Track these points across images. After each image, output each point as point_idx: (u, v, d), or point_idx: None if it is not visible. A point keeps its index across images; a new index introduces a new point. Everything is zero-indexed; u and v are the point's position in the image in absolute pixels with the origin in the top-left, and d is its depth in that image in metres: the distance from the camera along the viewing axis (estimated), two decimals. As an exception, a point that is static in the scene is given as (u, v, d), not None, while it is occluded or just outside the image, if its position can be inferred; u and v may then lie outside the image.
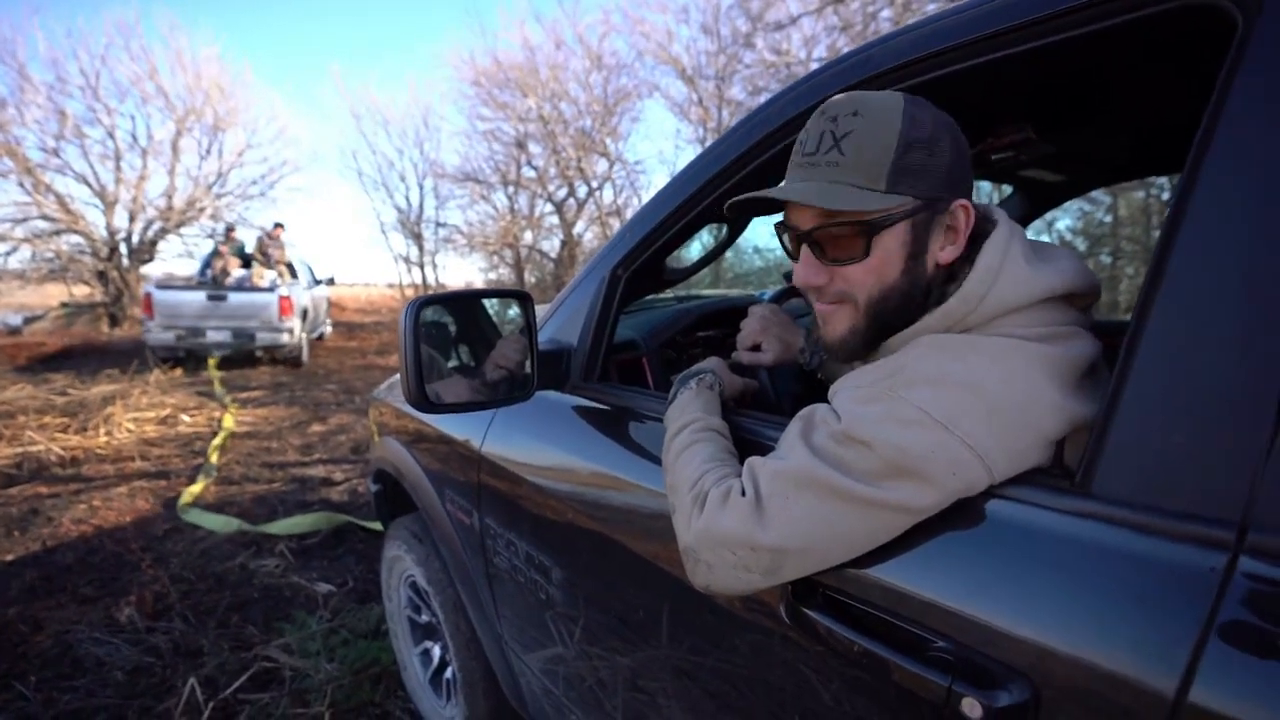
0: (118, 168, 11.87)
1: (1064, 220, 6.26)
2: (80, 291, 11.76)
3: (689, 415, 0.73)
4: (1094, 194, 5.66)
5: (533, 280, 13.97)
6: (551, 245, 13.47)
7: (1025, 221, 1.48)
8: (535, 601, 1.07)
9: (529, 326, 1.00)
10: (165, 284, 7.55)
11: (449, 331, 1.15)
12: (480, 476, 1.17)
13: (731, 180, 0.87)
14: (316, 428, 4.86)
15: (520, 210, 13.67)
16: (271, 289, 7.44)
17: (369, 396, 2.14)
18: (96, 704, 1.75)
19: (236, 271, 8.02)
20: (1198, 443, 0.42)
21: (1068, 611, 0.45)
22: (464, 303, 1.12)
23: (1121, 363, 0.46)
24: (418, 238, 13.51)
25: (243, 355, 7.64)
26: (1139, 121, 0.93)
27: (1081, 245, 6.24)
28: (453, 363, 1.16)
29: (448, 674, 1.60)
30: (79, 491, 3.43)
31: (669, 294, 1.55)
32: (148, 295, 7.05)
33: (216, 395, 5.87)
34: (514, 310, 1.07)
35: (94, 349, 8.58)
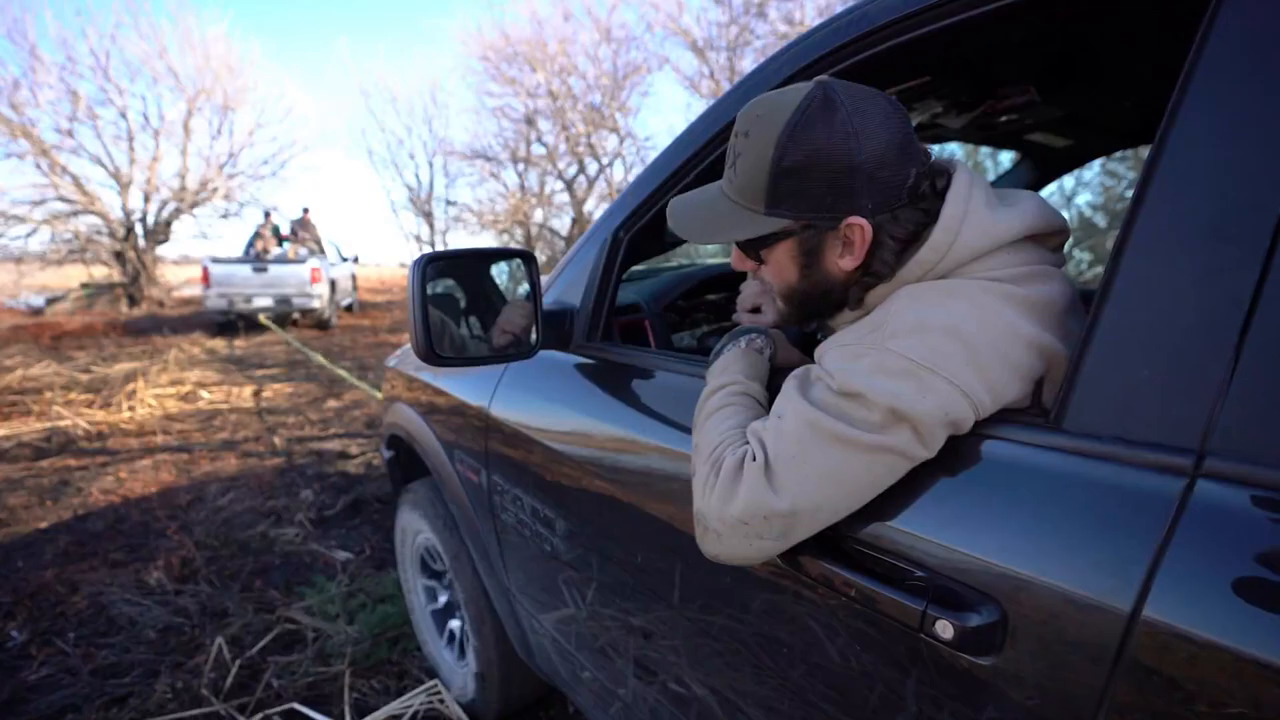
0: (131, 148, 11.95)
1: (1084, 196, 6.12)
2: (99, 272, 11.94)
3: (728, 376, 0.70)
4: (1116, 169, 5.55)
5: (544, 258, 13.98)
6: (561, 223, 13.44)
7: (1035, 189, 1.46)
8: (541, 554, 1.11)
9: (533, 286, 1.02)
10: (218, 259, 8.84)
11: (455, 289, 1.16)
12: (488, 436, 1.21)
13: (724, 145, 0.88)
14: (332, 403, 4.96)
15: (530, 188, 13.62)
16: (304, 261, 8.92)
17: (384, 365, 2.19)
18: (131, 659, 1.85)
19: (275, 249, 9.52)
20: (1162, 379, 0.45)
21: (1037, 538, 0.48)
22: (469, 261, 1.13)
23: (1095, 307, 0.49)
24: (428, 216, 13.53)
25: (281, 318, 8.92)
26: (1146, 84, 0.91)
27: (1102, 220, 6.11)
28: (462, 324, 1.17)
29: (458, 629, 1.67)
30: (105, 464, 3.55)
31: (672, 260, 1.56)
32: (205, 268, 8.61)
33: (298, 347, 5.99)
34: (523, 286, 1.09)
35: (114, 328, 8.75)
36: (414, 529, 1.69)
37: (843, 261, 0.62)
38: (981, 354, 0.53)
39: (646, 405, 0.92)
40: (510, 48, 11.50)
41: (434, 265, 1.00)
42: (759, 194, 0.61)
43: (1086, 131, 1.20)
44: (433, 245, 13.83)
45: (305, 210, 10.28)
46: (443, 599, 1.72)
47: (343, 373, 5.92)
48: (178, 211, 12.41)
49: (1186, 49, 0.47)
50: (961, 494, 0.54)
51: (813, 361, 0.63)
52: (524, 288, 1.06)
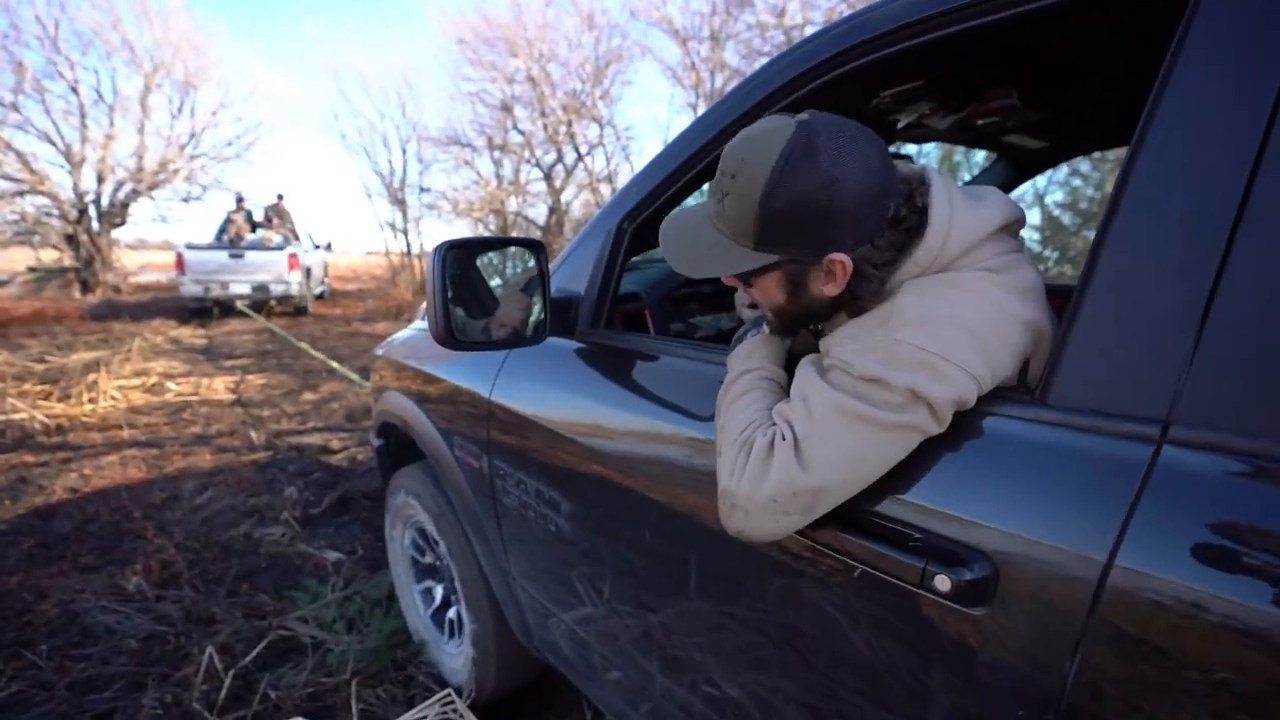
0: (83, 125, 11.29)
1: (1055, 194, 6.33)
2: (48, 256, 11.31)
3: (752, 362, 0.74)
4: (1083, 169, 5.83)
5: (520, 248, 13.76)
6: (538, 212, 13.22)
7: (1008, 189, 1.51)
8: (545, 534, 1.14)
9: (542, 274, 1.05)
10: (193, 245, 8.75)
11: (469, 275, 1.16)
12: (490, 422, 1.24)
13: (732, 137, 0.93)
14: (308, 396, 4.78)
15: (506, 176, 13.36)
16: (280, 248, 8.90)
17: (372, 354, 2.09)
18: (112, 671, 1.73)
19: (249, 236, 9.44)
20: (1134, 359, 0.51)
21: (1024, 501, 0.54)
22: (486, 249, 1.15)
23: (1076, 296, 0.54)
24: (401, 203, 13.14)
25: (257, 305, 8.91)
26: (1117, 90, 0.99)
27: (1068, 219, 6.35)
28: (461, 309, 1.18)
29: (452, 614, 1.68)
30: (67, 460, 3.34)
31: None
32: (179, 254, 8.56)
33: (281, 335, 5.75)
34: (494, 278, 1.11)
35: (67, 315, 8.29)
36: (405, 513, 1.72)
37: (826, 289, 0.67)
38: (985, 339, 0.59)
39: (651, 389, 0.96)
40: (489, 31, 11.21)
41: (454, 252, 1.02)
42: (747, 233, 0.65)
43: (1061, 134, 1.26)
44: (405, 234, 13.48)
45: (280, 196, 10.12)
46: (438, 591, 1.73)
47: (335, 365, 5.72)
48: (135, 193, 11.82)
49: (1157, 66, 0.52)
50: (957, 464, 0.59)
51: (816, 350, 0.69)
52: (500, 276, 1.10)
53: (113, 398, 4.40)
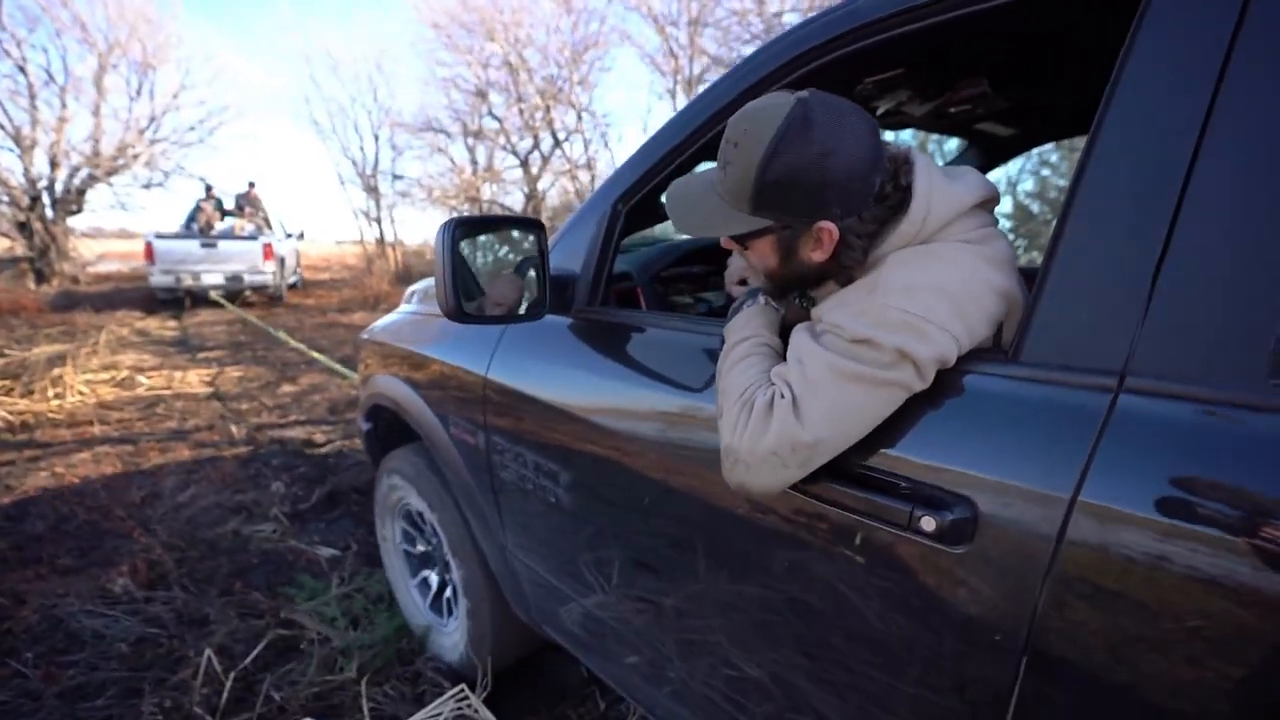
0: (33, 106, 10.74)
1: (1027, 182, 6.55)
2: (-1, 245, 10.80)
3: (750, 330, 0.79)
4: (1053, 160, 6.14)
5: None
6: (513, 200, 13.02)
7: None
8: (543, 505, 1.17)
9: (542, 253, 1.08)
10: (162, 234, 8.53)
11: (471, 252, 1.20)
12: (486, 399, 1.27)
13: (719, 126, 0.93)
14: (287, 388, 4.65)
15: (480, 163, 13.13)
16: (254, 238, 8.74)
17: (358, 338, 2.06)
18: (103, 677, 1.66)
19: (219, 224, 9.23)
20: (1095, 317, 0.57)
21: (999, 448, 0.60)
22: (489, 227, 1.18)
23: (1043, 266, 0.60)
24: (373, 190, 12.82)
25: (231, 295, 8.69)
26: (1083, 80, 1.03)
27: (1037, 208, 6.60)
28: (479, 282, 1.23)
29: (447, 593, 1.70)
30: (35, 458, 3.20)
31: (657, 231, 1.66)
32: (148, 244, 8.25)
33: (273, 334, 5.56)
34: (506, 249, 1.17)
35: (24, 307, 7.92)
36: (396, 495, 1.74)
37: (814, 255, 0.73)
38: (963, 304, 0.65)
39: (649, 361, 1.00)
40: (466, 15, 10.93)
41: (462, 227, 1.05)
42: (744, 198, 0.70)
43: (1029, 122, 1.33)
44: (379, 222, 13.17)
45: (251, 184, 9.91)
46: (431, 574, 1.76)
47: (319, 357, 5.57)
48: (92, 179, 11.31)
49: (1114, 60, 0.58)
50: (939, 417, 0.65)
51: (808, 319, 0.74)
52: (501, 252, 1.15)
53: (80, 393, 4.22)
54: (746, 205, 0.71)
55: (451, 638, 1.65)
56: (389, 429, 1.82)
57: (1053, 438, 0.56)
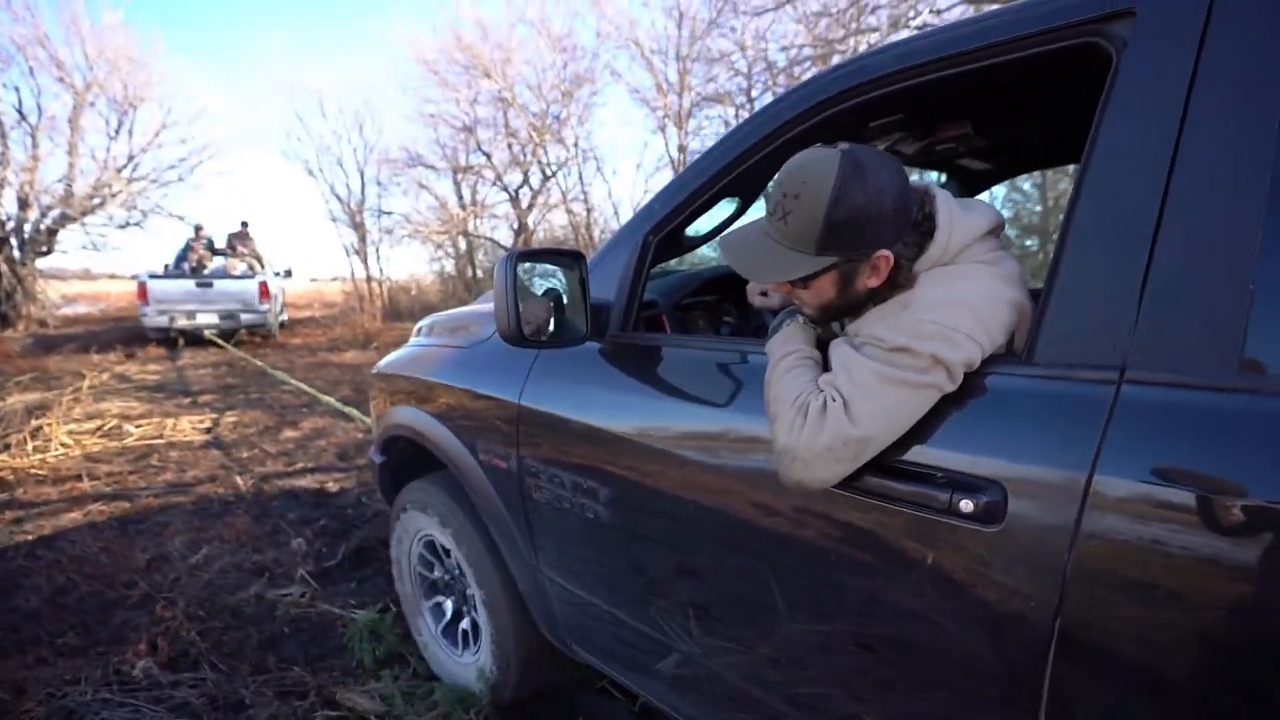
0: (4, 146, 10.42)
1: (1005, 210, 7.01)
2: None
3: (793, 345, 0.88)
4: (1025, 188, 7.04)
5: (486, 267, 13.44)
6: (502, 235, 12.94)
7: None
8: (582, 523, 1.22)
9: (583, 283, 1.17)
10: (155, 274, 8.61)
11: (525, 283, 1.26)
12: (519, 424, 1.32)
13: (746, 164, 1.06)
14: (289, 433, 4.39)
15: (467, 199, 13.07)
16: (250, 276, 8.89)
17: (372, 372, 2.04)
18: (133, 785, 1.42)
19: (210, 264, 9.25)
20: (1095, 323, 0.67)
21: (1021, 438, 0.69)
22: (537, 259, 1.24)
23: (1048, 278, 0.71)
24: (359, 227, 12.63)
25: (226, 334, 8.72)
26: (1051, 122, 1.22)
27: (1012, 232, 7.00)
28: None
29: (464, 624, 1.72)
30: (19, 520, 2.91)
31: (674, 262, 1.72)
32: (142, 284, 8.36)
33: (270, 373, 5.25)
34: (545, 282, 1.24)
35: (-10, 353, 7.51)
36: (414, 526, 1.76)
37: (870, 282, 0.82)
38: (984, 315, 0.75)
39: (683, 381, 1.08)
40: (454, 52, 10.98)
41: (521, 260, 1.14)
42: (810, 242, 0.79)
43: (1002, 158, 1.51)
44: (364, 258, 12.95)
45: (244, 224, 9.99)
46: (448, 603, 1.77)
47: (330, 400, 5.32)
48: (64, 219, 10.94)
49: (1080, 108, 0.75)
50: (968, 414, 0.74)
51: (834, 336, 0.87)
52: (544, 284, 1.22)
53: (64, 445, 3.92)
54: (812, 248, 0.79)
55: (470, 670, 1.65)
56: (403, 461, 1.85)
57: (1069, 425, 0.65)
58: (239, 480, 3.39)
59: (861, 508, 0.80)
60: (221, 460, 3.79)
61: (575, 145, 11.11)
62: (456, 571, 1.69)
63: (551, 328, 1.17)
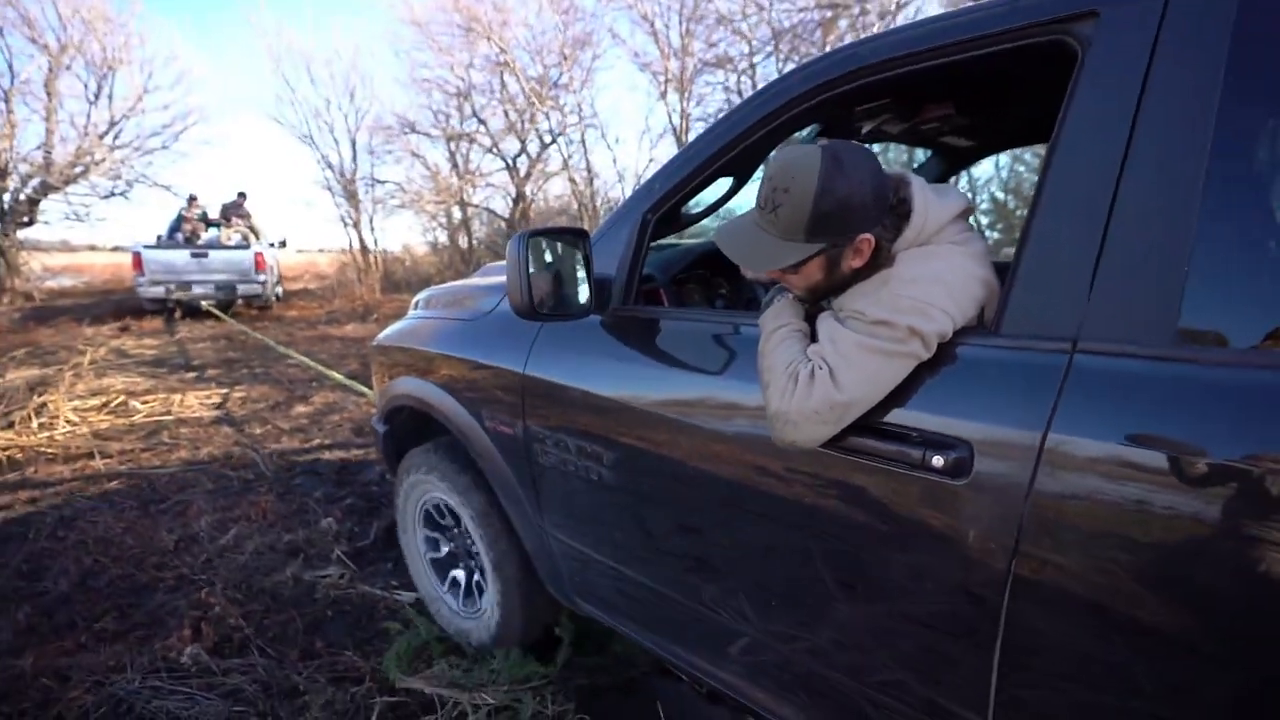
0: (-23, 112, 9.99)
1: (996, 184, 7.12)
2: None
3: (784, 319, 0.95)
4: (1029, 159, 6.95)
5: (483, 234, 13.20)
6: (495, 204, 12.67)
7: (941, 180, 1.78)
8: (587, 484, 1.30)
9: (587, 259, 1.24)
10: (151, 245, 8.43)
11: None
12: (524, 393, 1.39)
13: (742, 145, 1.12)
14: (301, 409, 4.30)
15: (462, 167, 12.75)
16: (245, 247, 8.71)
17: (371, 344, 2.10)
18: (197, 776, 1.38)
19: (205, 234, 9.01)
20: (1053, 297, 0.75)
21: (986, 401, 0.77)
22: (545, 236, 1.27)
23: (1014, 259, 0.78)
24: (352, 196, 12.29)
25: (223, 305, 8.62)
26: (1030, 106, 1.29)
27: (1013, 202, 7.03)
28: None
29: (464, 579, 1.80)
30: (34, 500, 2.83)
31: (671, 239, 1.75)
32: (137, 254, 8.18)
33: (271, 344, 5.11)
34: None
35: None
36: (419, 490, 1.82)
37: (854, 263, 0.90)
38: (955, 291, 0.82)
39: (681, 350, 1.16)
40: (453, 14, 10.54)
41: (532, 237, 1.20)
42: (799, 231, 0.87)
43: (983, 136, 1.59)
44: (358, 227, 12.65)
45: (241, 194, 9.72)
46: (445, 550, 1.86)
47: (337, 376, 5.22)
48: (45, 188, 10.57)
49: (1051, 93, 0.84)
50: (941, 380, 0.82)
51: (819, 311, 0.94)
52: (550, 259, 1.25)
53: (70, 422, 3.81)
54: (801, 236, 0.87)
55: (473, 620, 1.76)
56: (406, 429, 1.94)
57: (1027, 390, 0.74)
58: (257, 457, 3.31)
59: (845, 465, 0.88)
60: (235, 437, 3.70)
61: (579, 110, 10.78)
62: (459, 531, 1.77)
63: (553, 302, 1.22)
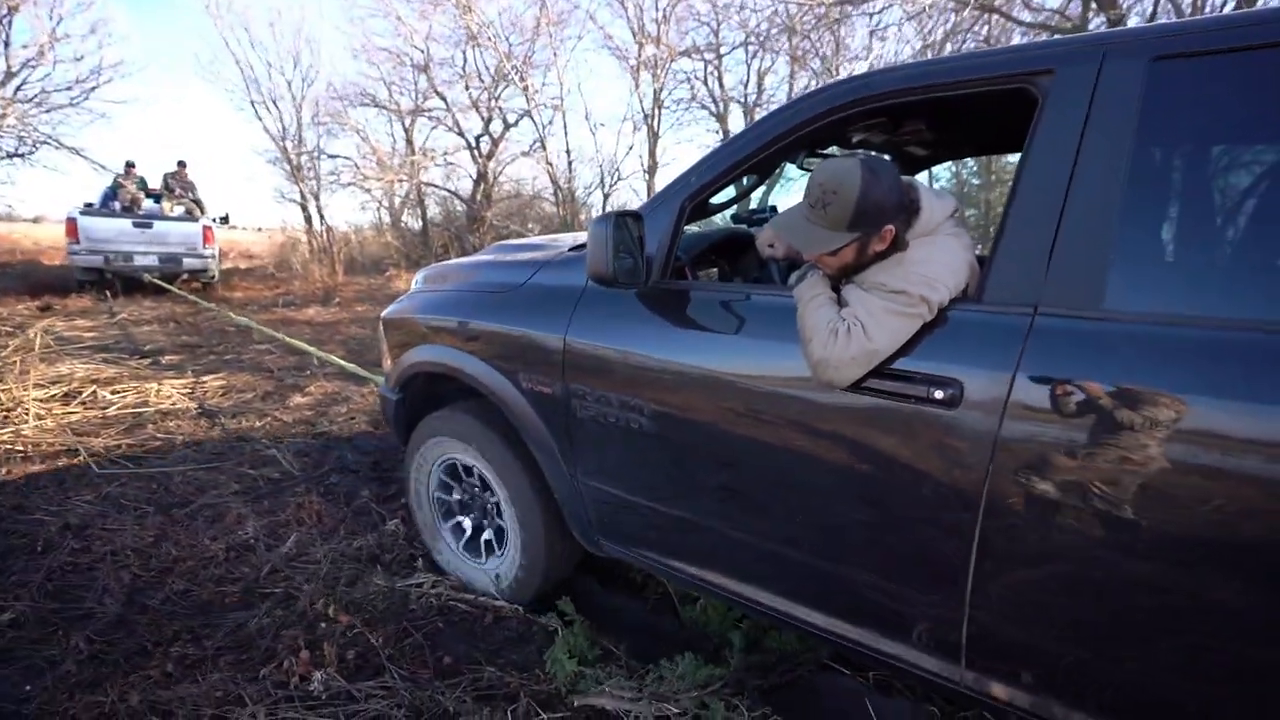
0: None
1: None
2: None
3: (819, 289, 1.21)
4: (970, 164, 8.87)
5: (436, 216, 12.63)
6: (453, 183, 12.13)
7: None
8: (625, 434, 1.50)
9: (641, 239, 1.45)
10: (86, 211, 7.82)
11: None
12: (565, 356, 1.58)
13: (768, 151, 1.38)
14: (298, 399, 3.95)
15: (419, 144, 12.12)
16: (192, 219, 8.30)
17: (382, 317, 2.23)
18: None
19: (145, 204, 8.39)
20: (1020, 274, 1.04)
21: (971, 353, 1.05)
22: (622, 218, 1.43)
23: (993, 245, 1.08)
24: (297, 170, 11.39)
25: (167, 278, 8.12)
26: (985, 125, 1.67)
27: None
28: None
29: (486, 536, 1.98)
30: (20, 507, 2.44)
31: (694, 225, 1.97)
32: (71, 220, 7.52)
33: (243, 323, 4.55)
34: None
35: None
36: (438, 452, 1.99)
37: (878, 248, 1.16)
38: (954, 269, 1.11)
39: (707, 323, 1.40)
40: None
41: (620, 219, 1.41)
42: (843, 223, 1.13)
43: (940, 147, 1.93)
44: (304, 205, 11.77)
45: (181, 164, 9.10)
46: (467, 523, 2.04)
47: (350, 366, 4.80)
48: (-73, 145, 9.18)
49: (1012, 118, 1.29)
50: (940, 336, 1.10)
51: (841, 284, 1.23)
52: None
53: (38, 415, 3.32)
54: (844, 227, 1.13)
55: (490, 574, 1.93)
56: (420, 397, 2.11)
57: (1001, 344, 1.02)
58: (278, 454, 3.00)
59: (868, 401, 1.14)
60: (235, 431, 3.35)
61: (558, 88, 10.43)
62: (478, 489, 1.96)
63: (631, 275, 1.43)
